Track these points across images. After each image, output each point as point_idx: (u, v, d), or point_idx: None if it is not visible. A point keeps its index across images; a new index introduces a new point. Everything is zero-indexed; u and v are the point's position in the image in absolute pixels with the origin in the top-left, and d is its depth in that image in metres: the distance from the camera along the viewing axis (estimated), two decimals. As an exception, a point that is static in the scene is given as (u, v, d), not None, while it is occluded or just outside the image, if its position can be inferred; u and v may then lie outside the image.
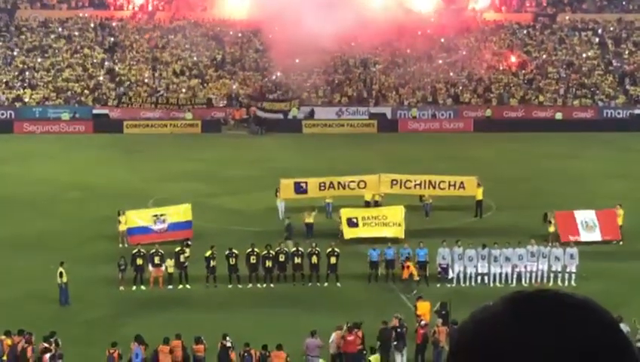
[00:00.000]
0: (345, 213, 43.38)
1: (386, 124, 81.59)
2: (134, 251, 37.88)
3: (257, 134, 78.76)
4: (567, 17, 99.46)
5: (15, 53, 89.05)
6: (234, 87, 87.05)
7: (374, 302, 34.96)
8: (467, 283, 37.72)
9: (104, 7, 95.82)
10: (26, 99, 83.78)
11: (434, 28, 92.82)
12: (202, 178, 57.62)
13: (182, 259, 37.45)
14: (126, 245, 41.55)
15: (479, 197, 47.70)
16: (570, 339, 2.04)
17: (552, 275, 38.13)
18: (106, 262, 38.74)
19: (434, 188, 46.93)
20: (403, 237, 41.70)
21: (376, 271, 37.97)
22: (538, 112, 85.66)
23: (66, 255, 38.09)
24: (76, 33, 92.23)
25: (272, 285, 37.56)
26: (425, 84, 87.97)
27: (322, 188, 46.44)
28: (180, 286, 37.33)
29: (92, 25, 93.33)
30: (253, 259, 37.57)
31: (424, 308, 32.00)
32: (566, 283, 37.81)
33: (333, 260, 37.80)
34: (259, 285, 37.56)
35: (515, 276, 38.02)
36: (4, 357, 29.09)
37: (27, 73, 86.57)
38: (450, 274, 37.92)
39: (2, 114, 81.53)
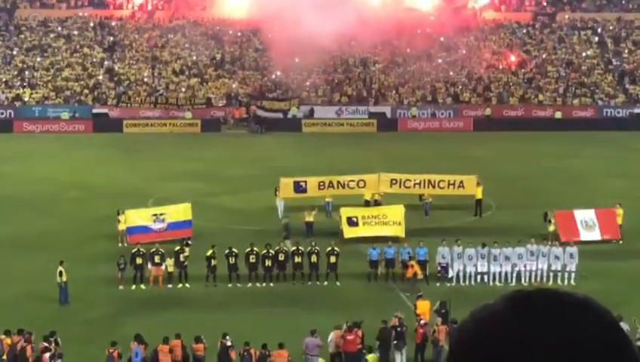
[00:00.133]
0: (345, 212, 43.38)
1: (385, 123, 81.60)
2: (134, 250, 37.87)
3: (257, 133, 78.76)
4: (566, 16, 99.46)
5: (14, 53, 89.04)
6: (233, 86, 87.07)
7: (374, 302, 34.95)
8: (467, 283, 37.72)
9: (103, 7, 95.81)
10: (26, 99, 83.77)
11: (433, 27, 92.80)
12: (202, 177, 57.61)
13: (182, 258, 37.45)
14: (125, 244, 41.55)
15: (479, 196, 47.70)
16: (570, 338, 2.04)
17: (551, 274, 38.13)
18: (106, 261, 38.74)
19: (433, 187, 46.93)
20: (404, 236, 41.70)
21: (376, 271, 37.96)
22: (538, 111, 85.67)
23: (66, 254, 38.09)
24: (75, 32, 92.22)
25: (271, 284, 37.56)
26: (424, 83, 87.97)
27: (322, 187, 46.44)
28: (180, 286, 37.33)
29: (91, 24, 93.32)
30: (252, 259, 37.56)
31: (424, 307, 31.99)
32: (565, 282, 37.81)
33: (332, 259, 37.79)
34: (258, 284, 37.56)
35: (514, 275, 38.02)
36: (4, 357, 29.09)
37: (27, 72, 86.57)
38: (450, 273, 37.92)
39: (2, 113, 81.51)
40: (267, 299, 35.87)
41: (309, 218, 43.78)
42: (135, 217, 42.77)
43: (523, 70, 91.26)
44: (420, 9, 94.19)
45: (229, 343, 28.96)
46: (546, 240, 40.52)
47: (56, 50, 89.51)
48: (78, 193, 53.20)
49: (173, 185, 54.67)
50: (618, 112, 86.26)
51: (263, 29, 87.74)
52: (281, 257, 37.76)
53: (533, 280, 37.95)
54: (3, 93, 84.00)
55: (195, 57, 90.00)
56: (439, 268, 38.03)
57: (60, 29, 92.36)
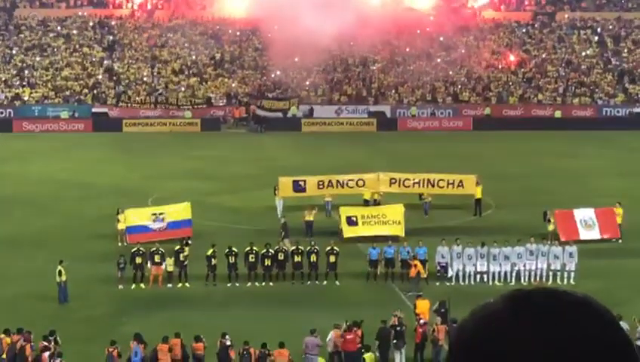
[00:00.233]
0: (344, 211, 43.36)
1: (385, 123, 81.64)
2: (134, 249, 37.84)
3: (257, 133, 78.78)
4: (566, 16, 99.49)
5: (14, 52, 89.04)
6: (233, 85, 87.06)
7: (373, 301, 34.92)
8: (466, 282, 37.70)
9: (103, 6, 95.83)
10: (25, 98, 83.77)
11: (433, 26, 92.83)
12: (201, 176, 57.61)
13: (181, 257, 37.43)
14: (125, 243, 41.53)
15: (478, 195, 47.70)
16: (570, 337, 2.03)
17: (551, 274, 38.11)
18: (105, 260, 38.73)
19: (433, 186, 46.90)
20: (403, 235, 41.69)
21: (375, 270, 37.94)
22: (537, 111, 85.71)
23: (66, 253, 38.08)
24: (75, 32, 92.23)
25: (271, 284, 37.53)
26: (424, 83, 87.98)
27: (321, 186, 46.43)
28: (180, 285, 37.31)
29: (91, 23, 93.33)
30: (252, 258, 37.55)
31: (423, 306, 31.97)
32: (565, 281, 37.80)
33: (332, 259, 37.76)
34: (257, 284, 37.54)
35: (514, 274, 37.99)
36: (4, 356, 29.08)
37: (26, 72, 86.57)
38: (450, 273, 37.90)
39: (1, 112, 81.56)
40: (267, 298, 35.85)
41: (309, 217, 43.76)
42: (134, 216, 42.73)
43: (522, 69, 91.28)
44: (419, 8, 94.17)
45: (228, 342, 28.95)
46: (546, 239, 40.51)
47: (55, 50, 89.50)
48: (78, 192, 53.19)
49: (173, 185, 54.66)
50: (617, 111, 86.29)
51: (262, 28, 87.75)
52: (281, 256, 37.74)
53: (532, 279, 37.91)
54: (2, 92, 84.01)
55: (194, 57, 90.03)
56: (439, 268, 38.01)
57: (59, 28, 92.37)
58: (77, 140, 72.50)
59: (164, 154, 66.51)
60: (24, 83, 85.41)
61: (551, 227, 42.84)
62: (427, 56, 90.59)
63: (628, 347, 2.07)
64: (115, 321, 33.22)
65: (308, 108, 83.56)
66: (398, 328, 29.90)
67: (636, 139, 72.65)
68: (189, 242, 39.51)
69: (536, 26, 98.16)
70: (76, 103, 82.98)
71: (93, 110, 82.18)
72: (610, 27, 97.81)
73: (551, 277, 38.03)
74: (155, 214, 42.94)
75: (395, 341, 29.88)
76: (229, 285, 37.27)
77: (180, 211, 43.20)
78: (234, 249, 37.64)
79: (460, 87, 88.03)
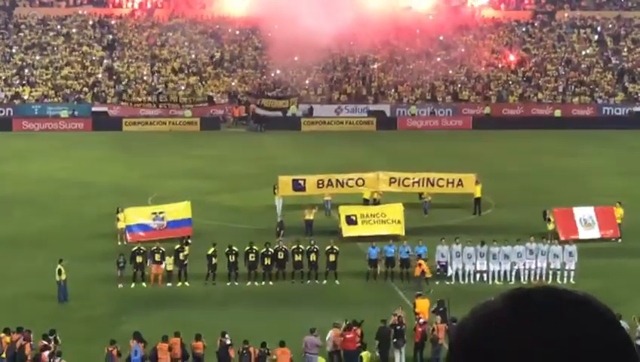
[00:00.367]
0: (343, 210, 43.37)
1: (384, 122, 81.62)
2: (134, 248, 37.83)
3: (256, 132, 78.77)
4: (565, 15, 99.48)
5: (14, 51, 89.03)
6: (233, 84, 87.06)
7: (373, 300, 34.92)
8: (466, 281, 37.70)
9: (103, 5, 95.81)
10: (25, 97, 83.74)
11: (432, 25, 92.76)
12: (201, 175, 57.61)
13: (181, 256, 37.43)
14: (125, 242, 41.53)
15: (478, 194, 47.70)
16: (570, 337, 2.03)
17: (550, 273, 38.11)
18: (105, 259, 38.72)
19: (432, 185, 46.86)
20: (404, 234, 41.69)
21: (375, 269, 37.94)
22: (537, 110, 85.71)
23: (65, 252, 38.08)
24: (75, 31, 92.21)
25: (270, 283, 37.53)
26: (424, 82, 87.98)
27: (320, 185, 46.40)
28: (180, 284, 37.31)
29: (91, 22, 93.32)
30: (252, 257, 37.54)
31: (423, 305, 31.97)
32: (565, 280, 37.78)
33: (332, 258, 37.76)
34: (257, 283, 37.53)
35: (513, 274, 37.99)
36: (3, 355, 29.09)
37: (26, 70, 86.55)
38: (449, 272, 37.89)
39: (1, 111, 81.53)
40: (266, 297, 35.85)
41: (309, 216, 43.75)
42: (134, 215, 42.73)
43: (522, 68, 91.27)
44: (419, 8, 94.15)
45: (228, 341, 28.96)
46: (545, 238, 40.52)
47: (55, 49, 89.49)
48: (78, 191, 53.18)
49: (173, 184, 54.66)
50: (617, 111, 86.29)
51: (262, 27, 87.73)
52: (281, 256, 37.73)
53: (532, 278, 37.90)
54: (2, 91, 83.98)
55: (194, 56, 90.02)
56: (438, 267, 38.01)
57: (59, 27, 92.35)
58: (77, 139, 72.50)
59: (163, 154, 66.52)
60: (24, 82, 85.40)
61: (550, 226, 42.85)
62: (427, 55, 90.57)
63: (628, 346, 2.07)
64: (114, 320, 33.23)
65: (307, 107, 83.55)
66: (398, 327, 29.91)
67: (636, 138, 72.65)
68: (189, 241, 39.49)
69: (535, 24, 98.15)
70: (76, 102, 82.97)
71: (93, 109, 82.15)
72: (610, 26, 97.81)
73: (550, 277, 38.03)
74: (155, 213, 42.95)
75: (394, 340, 29.88)
76: (228, 284, 37.27)
77: (179, 210, 43.19)
78: (234, 248, 37.63)
79: (459, 86, 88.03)
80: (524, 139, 72.67)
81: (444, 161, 57.53)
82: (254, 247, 37.66)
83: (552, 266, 38.05)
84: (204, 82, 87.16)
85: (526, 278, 37.87)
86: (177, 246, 38.06)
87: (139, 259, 37.21)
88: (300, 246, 38.29)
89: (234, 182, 55.48)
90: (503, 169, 59.54)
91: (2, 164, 61.43)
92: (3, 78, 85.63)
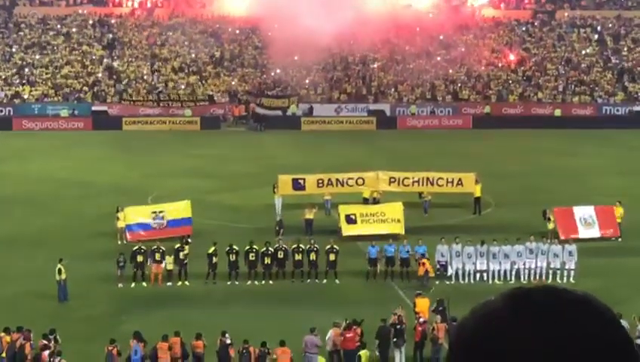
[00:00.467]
0: (343, 209, 43.37)
1: (384, 121, 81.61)
2: (135, 248, 37.83)
3: (256, 131, 78.77)
4: (565, 14, 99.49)
5: (14, 50, 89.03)
6: (233, 83, 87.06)
7: (373, 299, 34.93)
8: (466, 281, 37.71)
9: (103, 4, 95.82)
10: (25, 96, 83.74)
11: (432, 25, 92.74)
12: (201, 175, 57.61)
13: (181, 256, 37.42)
14: (125, 242, 41.54)
15: (478, 194, 47.68)
16: (570, 336, 2.03)
17: (550, 272, 38.11)
18: (105, 259, 38.71)
19: (432, 185, 46.82)
20: (403, 233, 41.70)
21: (375, 268, 37.94)
22: (537, 109, 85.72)
23: (65, 252, 38.08)
24: (75, 30, 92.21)
25: (270, 282, 37.54)
26: (424, 81, 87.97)
27: (320, 185, 46.38)
28: (180, 283, 37.31)
29: (91, 22, 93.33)
30: (252, 256, 37.54)
31: (423, 304, 31.97)
32: (565, 280, 37.78)
33: (332, 257, 37.76)
34: (257, 282, 37.53)
35: (513, 273, 37.99)
36: (3, 354, 29.09)
37: (26, 70, 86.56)
38: (449, 271, 37.89)
39: (1, 111, 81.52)
40: (266, 296, 35.85)
41: (309, 215, 43.74)
42: (134, 214, 42.72)
43: (522, 68, 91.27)
44: (419, 6, 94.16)
45: (228, 341, 28.96)
46: (545, 237, 40.52)
47: (55, 48, 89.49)
48: (78, 191, 53.18)
49: (173, 183, 54.66)
50: (617, 110, 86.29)
51: (262, 26, 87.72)
52: (281, 255, 37.73)
53: (532, 278, 37.89)
54: (2, 90, 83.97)
55: (194, 55, 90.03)
56: (438, 266, 38.01)
57: (59, 26, 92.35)
58: (77, 138, 72.50)
59: (163, 153, 66.52)
60: (24, 81, 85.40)
61: (550, 225, 42.86)
62: (427, 55, 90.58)
63: (628, 345, 2.07)
64: (114, 320, 33.22)
65: (307, 106, 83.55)
66: (398, 326, 29.91)
67: (636, 137, 72.65)
68: (189, 240, 39.49)
69: (535, 24, 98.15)
70: (76, 101, 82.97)
71: (93, 108, 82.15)
72: (610, 25, 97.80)
73: (550, 276, 38.03)
74: (155, 212, 42.94)
75: (394, 339, 29.88)
76: (228, 283, 37.27)
77: (179, 209, 43.17)
78: (235, 247, 37.62)
79: (459, 85, 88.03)
80: (524, 138, 72.67)
81: (444, 161, 57.52)
82: (254, 246, 37.66)
83: (552, 265, 38.05)
84: (204, 81, 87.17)
85: (526, 278, 37.86)
86: (177, 245, 38.05)
87: (139, 259, 37.19)
88: (300, 245, 38.29)
89: (234, 182, 55.48)
90: (502, 168, 59.54)
91: (2, 164, 61.42)
92: (3, 77, 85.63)
